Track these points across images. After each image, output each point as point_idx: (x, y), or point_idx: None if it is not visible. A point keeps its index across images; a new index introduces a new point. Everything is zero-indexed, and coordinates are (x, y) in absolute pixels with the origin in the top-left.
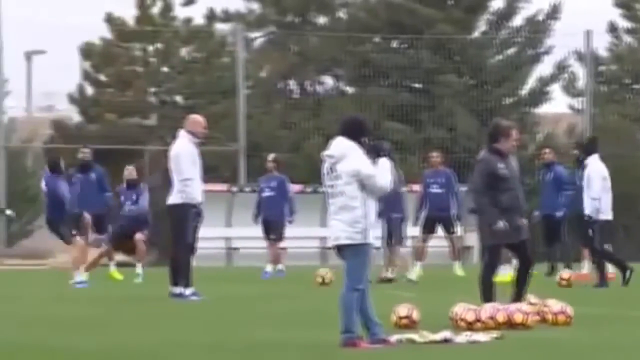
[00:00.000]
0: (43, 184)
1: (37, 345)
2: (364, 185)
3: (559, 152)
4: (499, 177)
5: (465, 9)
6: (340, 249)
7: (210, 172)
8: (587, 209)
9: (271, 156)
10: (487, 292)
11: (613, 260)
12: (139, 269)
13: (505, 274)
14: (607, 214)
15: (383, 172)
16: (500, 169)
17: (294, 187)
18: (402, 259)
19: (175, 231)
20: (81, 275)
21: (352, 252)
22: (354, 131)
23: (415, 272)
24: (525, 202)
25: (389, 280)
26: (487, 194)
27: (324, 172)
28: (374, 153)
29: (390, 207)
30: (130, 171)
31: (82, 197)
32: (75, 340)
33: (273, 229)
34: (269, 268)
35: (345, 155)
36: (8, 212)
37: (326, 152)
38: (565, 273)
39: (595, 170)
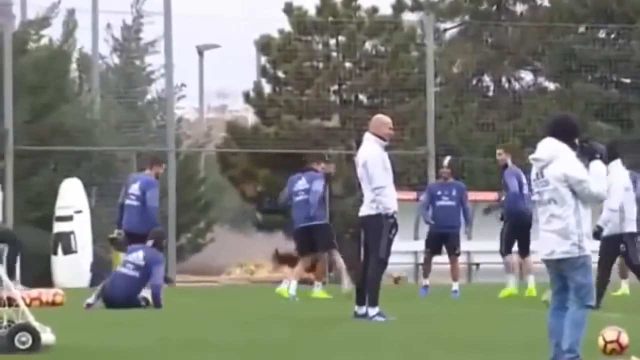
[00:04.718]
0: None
1: None
2: (575, 191)
3: None
4: None
5: None
6: (556, 263)
7: (397, 179)
8: None
9: (446, 161)
10: None
11: None
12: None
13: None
14: None
15: (597, 177)
16: None
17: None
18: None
19: (369, 245)
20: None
21: (570, 267)
22: (565, 131)
23: None
24: None
25: None
26: None
27: (532, 178)
28: (587, 155)
29: None
30: None
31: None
32: None
33: (453, 242)
34: (455, 286)
35: (554, 157)
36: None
37: (533, 156)
38: None
39: None
